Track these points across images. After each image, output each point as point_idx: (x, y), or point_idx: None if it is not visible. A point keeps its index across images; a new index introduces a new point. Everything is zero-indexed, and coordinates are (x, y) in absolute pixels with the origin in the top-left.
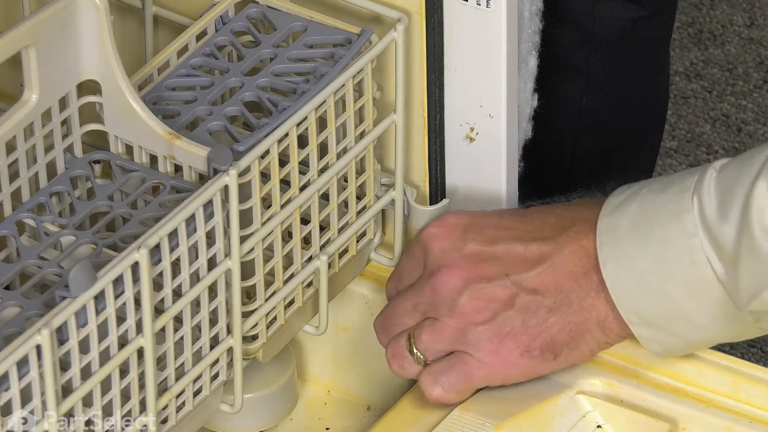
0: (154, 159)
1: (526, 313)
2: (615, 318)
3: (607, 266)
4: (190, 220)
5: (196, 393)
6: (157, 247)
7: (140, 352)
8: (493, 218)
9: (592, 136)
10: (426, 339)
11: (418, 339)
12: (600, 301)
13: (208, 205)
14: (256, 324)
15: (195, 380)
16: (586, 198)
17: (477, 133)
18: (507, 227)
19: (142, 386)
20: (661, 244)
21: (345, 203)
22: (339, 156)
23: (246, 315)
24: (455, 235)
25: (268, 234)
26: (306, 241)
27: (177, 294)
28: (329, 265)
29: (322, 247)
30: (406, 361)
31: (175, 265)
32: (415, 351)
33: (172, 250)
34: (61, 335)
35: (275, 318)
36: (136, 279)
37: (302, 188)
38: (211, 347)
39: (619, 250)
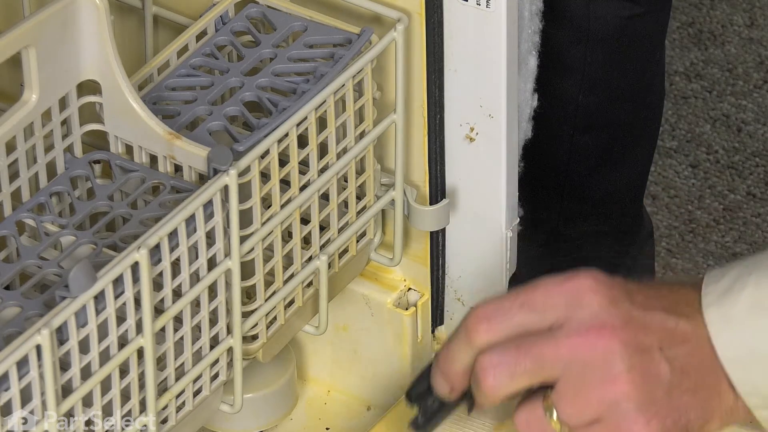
0: (154, 159)
1: (671, 395)
2: (742, 407)
3: (726, 357)
4: (190, 220)
5: (196, 393)
6: (157, 247)
7: (140, 352)
8: (630, 284)
9: (589, 133)
10: (570, 411)
11: (561, 410)
12: (732, 388)
13: (208, 205)
14: (256, 324)
15: (195, 380)
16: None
17: (477, 133)
18: (651, 296)
19: (142, 386)
20: None
21: (345, 203)
22: (339, 156)
23: (246, 315)
24: (614, 293)
25: (268, 234)
26: (306, 241)
27: (177, 294)
28: (329, 265)
29: (322, 247)
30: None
31: (175, 265)
32: (555, 421)
33: (172, 250)
34: (61, 335)
35: (275, 318)
36: (136, 279)
37: (302, 188)
38: (211, 347)
39: (737, 340)
